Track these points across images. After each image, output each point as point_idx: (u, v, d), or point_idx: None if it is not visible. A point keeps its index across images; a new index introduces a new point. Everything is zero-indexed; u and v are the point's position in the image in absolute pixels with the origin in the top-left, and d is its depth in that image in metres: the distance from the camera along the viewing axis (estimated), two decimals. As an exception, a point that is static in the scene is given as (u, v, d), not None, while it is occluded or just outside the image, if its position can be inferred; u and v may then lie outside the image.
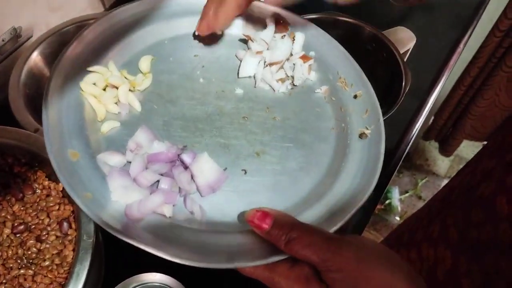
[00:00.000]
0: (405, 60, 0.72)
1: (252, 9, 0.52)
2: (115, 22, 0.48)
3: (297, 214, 0.40)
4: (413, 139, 0.75)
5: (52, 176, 0.51)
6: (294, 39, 0.52)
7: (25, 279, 0.45)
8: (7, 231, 0.47)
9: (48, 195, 0.49)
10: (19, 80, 0.60)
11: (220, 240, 0.37)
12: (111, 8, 0.74)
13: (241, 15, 0.51)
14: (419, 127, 0.77)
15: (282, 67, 0.51)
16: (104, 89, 0.44)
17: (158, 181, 0.40)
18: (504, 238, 0.39)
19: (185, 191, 0.40)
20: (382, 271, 0.32)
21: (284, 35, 0.51)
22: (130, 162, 0.40)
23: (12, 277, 0.45)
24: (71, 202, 0.49)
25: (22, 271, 0.45)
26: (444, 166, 1.80)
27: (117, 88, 0.44)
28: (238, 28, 0.53)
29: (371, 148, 0.46)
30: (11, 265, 0.45)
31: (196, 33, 0.49)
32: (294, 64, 0.51)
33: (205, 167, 0.40)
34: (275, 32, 0.51)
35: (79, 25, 0.67)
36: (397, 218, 1.63)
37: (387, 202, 1.64)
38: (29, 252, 0.46)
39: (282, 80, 0.50)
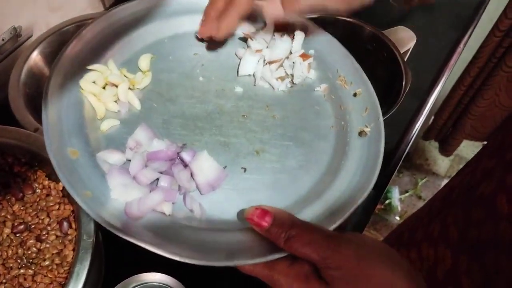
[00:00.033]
0: (405, 59, 0.72)
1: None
2: (114, 20, 0.48)
3: (296, 212, 0.40)
4: (413, 139, 0.75)
5: (52, 176, 0.50)
6: (293, 38, 0.52)
7: (25, 279, 0.45)
8: (7, 230, 0.47)
9: (48, 195, 0.49)
10: (19, 80, 0.60)
11: (220, 238, 0.37)
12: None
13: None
14: (419, 127, 0.77)
15: (281, 66, 0.51)
16: (104, 88, 0.45)
17: (157, 179, 0.40)
18: (504, 237, 0.39)
19: (185, 189, 0.40)
20: (383, 269, 0.32)
21: (284, 34, 0.51)
22: (129, 160, 0.40)
23: (12, 276, 0.45)
24: (71, 201, 0.49)
25: (22, 270, 0.45)
26: (444, 166, 1.80)
27: (116, 86, 0.44)
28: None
29: (370, 146, 0.46)
30: (11, 264, 0.45)
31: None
32: (293, 62, 0.51)
33: (205, 165, 0.40)
34: (275, 30, 0.52)
35: (79, 25, 0.67)
36: (397, 218, 1.63)
37: (387, 202, 1.63)
38: (29, 252, 0.46)
39: (282, 79, 0.50)
